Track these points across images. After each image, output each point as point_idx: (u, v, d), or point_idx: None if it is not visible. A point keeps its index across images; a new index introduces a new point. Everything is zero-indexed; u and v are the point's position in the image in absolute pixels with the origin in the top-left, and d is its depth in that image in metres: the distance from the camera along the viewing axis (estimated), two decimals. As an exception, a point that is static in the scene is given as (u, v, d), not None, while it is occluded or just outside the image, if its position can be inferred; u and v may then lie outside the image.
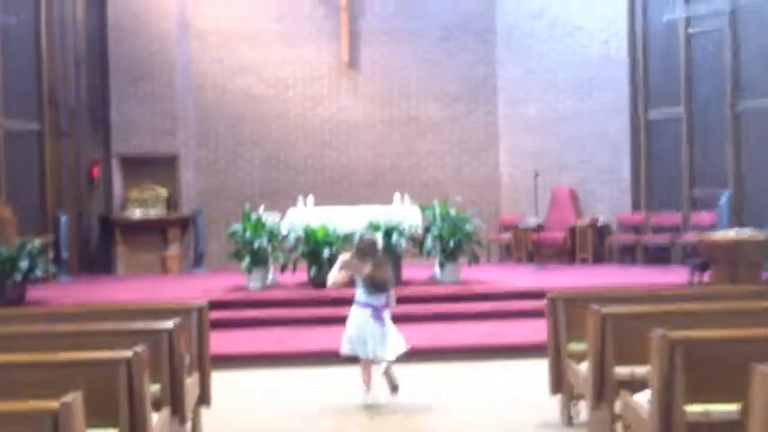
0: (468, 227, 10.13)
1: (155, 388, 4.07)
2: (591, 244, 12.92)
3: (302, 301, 9.33)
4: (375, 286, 5.94)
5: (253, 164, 14.18)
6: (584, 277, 10.96)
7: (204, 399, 4.95)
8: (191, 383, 4.59)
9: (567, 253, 13.12)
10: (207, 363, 5.01)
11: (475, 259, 10.15)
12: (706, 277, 8.90)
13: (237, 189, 14.04)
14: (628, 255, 12.81)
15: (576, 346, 5.13)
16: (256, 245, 9.72)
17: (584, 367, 4.73)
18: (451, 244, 9.96)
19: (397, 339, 6.00)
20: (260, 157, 14.18)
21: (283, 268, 9.93)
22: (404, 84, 14.46)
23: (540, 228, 13.49)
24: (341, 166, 14.33)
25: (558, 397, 5.27)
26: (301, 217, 10.33)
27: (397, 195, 11.01)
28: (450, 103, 14.54)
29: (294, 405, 6.05)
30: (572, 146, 13.62)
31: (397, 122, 14.45)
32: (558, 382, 5.18)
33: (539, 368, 6.92)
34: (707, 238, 9.18)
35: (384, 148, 14.41)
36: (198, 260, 13.32)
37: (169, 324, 4.18)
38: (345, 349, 6.10)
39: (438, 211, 10.32)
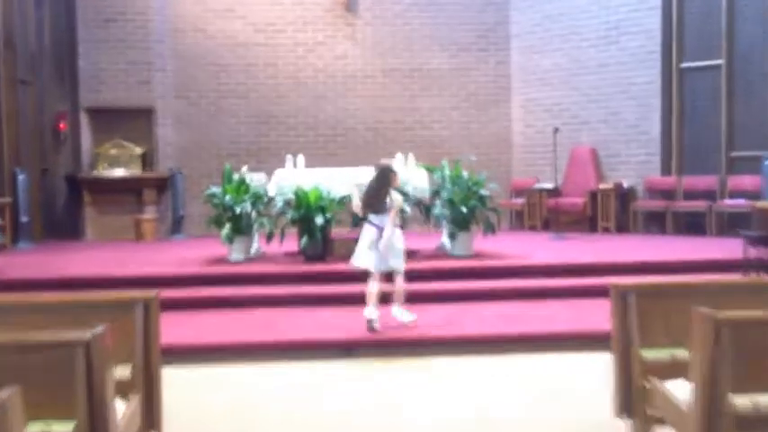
0: (484, 191, 8.78)
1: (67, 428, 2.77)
2: (614, 211, 11.59)
3: (291, 276, 8.00)
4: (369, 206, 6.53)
5: (238, 118, 12.75)
6: (610, 250, 9.65)
7: (151, 424, 3.63)
8: (129, 412, 3.27)
9: (587, 220, 11.80)
10: (155, 376, 3.68)
11: (491, 229, 8.82)
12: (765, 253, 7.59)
13: (221, 146, 12.64)
14: (655, 223, 11.50)
15: (651, 354, 3.84)
16: (238, 210, 8.36)
17: (677, 388, 3.43)
18: (464, 211, 8.61)
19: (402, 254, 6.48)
20: (246, 111, 12.75)
21: (269, 237, 8.59)
22: (407, 30, 12.98)
23: (556, 192, 12.17)
24: (337, 121, 12.92)
25: (626, 422, 3.98)
26: (291, 179, 8.96)
27: (399, 155, 9.64)
28: (458, 52, 13.09)
29: (282, 414, 4.75)
30: (594, 101, 12.21)
31: (399, 74, 13.00)
32: (628, 402, 3.88)
33: (578, 364, 5.68)
34: (763, 207, 7.87)
35: (384, 102, 12.98)
36: (176, 225, 11.96)
37: (86, 334, 2.85)
38: (358, 262, 6.46)
39: (448, 172, 8.95)
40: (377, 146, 12.92)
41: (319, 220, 8.28)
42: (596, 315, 6.18)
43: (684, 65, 11.39)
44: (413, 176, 8.95)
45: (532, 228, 12.25)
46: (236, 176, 8.86)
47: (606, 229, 11.65)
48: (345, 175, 9.20)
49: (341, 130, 12.93)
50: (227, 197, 8.45)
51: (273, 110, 12.79)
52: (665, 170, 11.56)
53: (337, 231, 8.69)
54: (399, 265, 6.41)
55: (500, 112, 13.19)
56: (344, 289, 7.42)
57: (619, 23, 11.90)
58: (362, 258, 6.40)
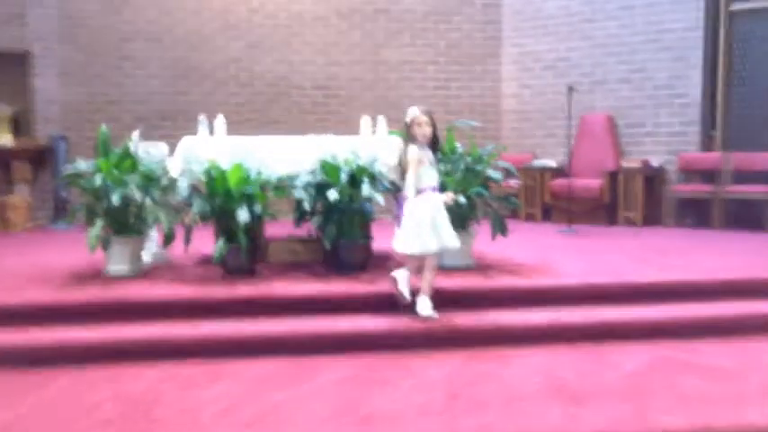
0: (492, 172, 5.95)
1: None
2: (641, 197, 8.88)
3: (194, 304, 5.07)
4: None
5: (148, 69, 9.66)
6: (653, 252, 6.92)
7: None
8: None
9: (604, 209, 9.09)
10: None
11: (501, 229, 5.99)
12: None
13: (124, 106, 9.57)
14: (693, 212, 8.85)
15: None
16: (116, 198, 5.36)
17: None
18: (461, 202, 5.78)
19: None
20: (160, 61, 9.67)
21: (167, 240, 5.64)
22: (370, -41, 10.03)
23: (561, 172, 9.45)
24: (278, 77, 9.93)
25: None
26: (204, 151, 6.01)
27: (365, 120, 6.75)
28: (436, -11, 10.19)
29: None
30: (613, 53, 9.46)
31: (359, 16, 10.04)
32: None
33: None
34: None
35: (340, 53, 10.03)
36: (58, 211, 8.89)
37: None
38: (413, 248, 4.93)
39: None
40: (329, 109, 10.00)
41: (242, 215, 5.35)
42: None
43: (735, 6, 8.70)
44: (384, 150, 6.08)
45: (530, 218, 9.51)
46: (119, 148, 5.85)
47: (629, 221, 8.95)
48: (287, 147, 6.29)
49: (283, 87, 9.95)
50: (99, 178, 5.44)
51: (195, 59, 9.73)
52: (707, 145, 8.89)
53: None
54: (455, 240, 5.11)
55: (487, 69, 10.36)
56: (288, 327, 4.61)
57: (648, -48, 9.13)
58: (425, 240, 4.94)
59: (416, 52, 10.15)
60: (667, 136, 9.11)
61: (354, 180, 5.68)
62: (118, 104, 9.55)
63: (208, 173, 5.58)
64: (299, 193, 5.64)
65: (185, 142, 6.06)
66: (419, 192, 5.11)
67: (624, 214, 8.97)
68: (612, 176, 9.07)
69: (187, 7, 9.63)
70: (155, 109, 9.66)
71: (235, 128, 9.28)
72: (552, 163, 9.59)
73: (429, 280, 5.02)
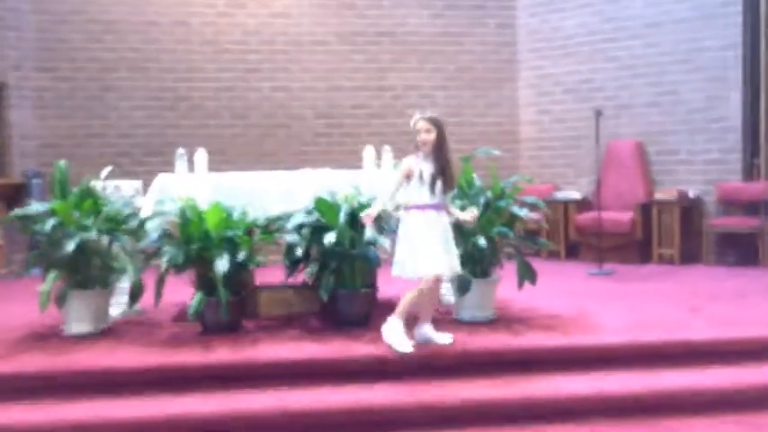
0: (517, 209, 5.09)
1: None
2: (677, 231, 7.99)
3: (164, 375, 4.20)
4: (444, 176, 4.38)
5: (133, 101, 8.89)
6: (702, 298, 6.02)
7: None
8: None
9: (636, 245, 8.19)
10: None
11: (529, 277, 5.10)
12: None
13: (106, 140, 8.80)
14: (735, 248, 7.94)
15: None
16: (70, 247, 4.52)
17: None
18: (481, 244, 4.92)
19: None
20: (145, 91, 8.91)
21: (133, 295, 4.79)
22: (374, -22, 9.29)
23: (585, 204, 8.61)
24: (275, 106, 9.14)
25: None
26: (183, 189, 5.18)
27: (369, 151, 5.94)
28: (445, 10, 9.42)
29: None
30: (641, 75, 8.63)
31: (362, 39, 9.27)
32: None
33: None
34: None
35: (342, 78, 9.25)
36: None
37: None
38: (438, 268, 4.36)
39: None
40: (331, 140, 9.20)
41: (221, 264, 4.49)
42: None
43: (778, 20, 7.89)
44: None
45: (553, 256, 8.61)
46: (85, 185, 5.03)
47: (665, 258, 8.04)
48: (279, 183, 5.47)
49: (281, 118, 9.16)
50: (52, 221, 4.61)
51: (184, 89, 8.96)
52: (749, 173, 8.01)
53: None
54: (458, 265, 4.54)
55: (503, 95, 9.55)
56: (269, 402, 3.76)
57: (677, -37, 8.34)
58: (435, 261, 4.33)
59: (424, 77, 9.36)
60: (704, 164, 8.23)
61: (355, 220, 4.83)
62: (100, 138, 8.77)
63: (182, 213, 4.75)
64: (290, 237, 4.79)
65: (160, 179, 5.24)
66: (407, 209, 4.33)
67: (659, 251, 8.07)
68: (644, 209, 8.19)
69: (175, 33, 8.89)
70: (140, 143, 8.88)
71: (229, 163, 8.53)
72: (576, 195, 8.73)
73: (409, 300, 4.35)
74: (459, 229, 4.93)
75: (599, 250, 7.75)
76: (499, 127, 9.53)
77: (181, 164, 5.51)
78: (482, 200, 5.16)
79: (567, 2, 9.10)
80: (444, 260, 4.36)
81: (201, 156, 5.54)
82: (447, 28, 9.40)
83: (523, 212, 5.02)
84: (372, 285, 5.11)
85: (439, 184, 4.38)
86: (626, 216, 8.17)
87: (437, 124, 4.40)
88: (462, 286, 4.91)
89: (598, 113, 7.71)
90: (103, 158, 8.20)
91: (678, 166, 8.40)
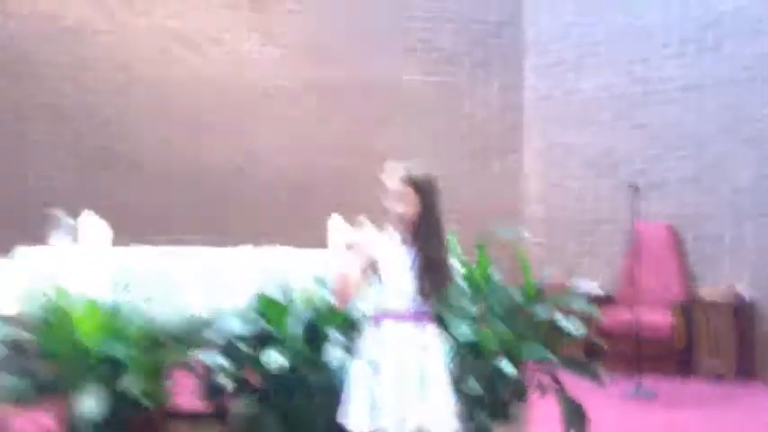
0: (563, 320, 3.44)
1: None
2: (732, 339, 6.34)
3: None
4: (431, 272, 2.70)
5: (54, 156, 7.22)
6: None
7: None
8: None
9: (676, 355, 6.52)
10: None
11: (578, 424, 3.40)
12: None
13: (26, 203, 7.06)
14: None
15: None
16: None
17: None
18: (508, 372, 3.23)
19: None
20: (70, 144, 7.26)
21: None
22: (355, 22, 7.80)
23: (607, 301, 7.01)
24: (231, 169, 7.51)
25: None
26: (60, 273, 3.46)
27: (335, 223, 4.29)
28: (437, 63, 7.95)
29: None
30: (673, 145, 7.15)
31: (340, 91, 7.74)
32: None
33: None
34: None
35: (316, 137, 7.67)
36: None
37: None
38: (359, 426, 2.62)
39: (462, 269, 3.59)
40: (299, 210, 7.53)
41: (87, 403, 2.75)
42: None
43: None
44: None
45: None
46: None
47: (714, 372, 6.38)
48: (206, 266, 3.79)
49: (236, 183, 7.52)
50: None
51: (120, 146, 7.32)
52: (816, 268, 6.47)
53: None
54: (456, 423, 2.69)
55: (506, 163, 8.02)
56: None
57: (720, 18, 6.95)
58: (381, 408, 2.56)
59: (413, 139, 7.79)
60: (755, 254, 6.67)
61: (317, 332, 3.14)
62: (14, 200, 7.06)
63: (45, 314, 3.03)
64: (208, 357, 3.08)
65: (20, 255, 3.54)
66: (376, 319, 2.66)
67: (707, 363, 6.41)
68: (685, 311, 6.57)
69: (111, 77, 7.30)
70: (69, 209, 7.15)
71: (178, 242, 6.88)
72: (598, 289, 7.10)
73: None
74: (474, 349, 3.26)
75: (635, 361, 6.06)
76: (499, 204, 7.94)
77: (60, 234, 3.81)
78: (501, 304, 3.52)
79: (586, 59, 7.67)
80: (413, 410, 2.64)
81: (91, 222, 3.85)
82: (442, 86, 7.93)
83: (576, 328, 3.37)
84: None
85: (421, 282, 2.73)
86: (663, 319, 6.54)
87: (423, 189, 2.78)
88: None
89: (635, 189, 6.17)
90: (14, 230, 6.45)
91: (722, 257, 6.83)
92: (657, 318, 6.54)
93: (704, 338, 6.42)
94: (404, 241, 2.78)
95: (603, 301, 6.98)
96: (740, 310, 6.45)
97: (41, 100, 7.19)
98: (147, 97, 7.36)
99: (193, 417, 3.64)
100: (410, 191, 2.75)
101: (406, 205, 2.75)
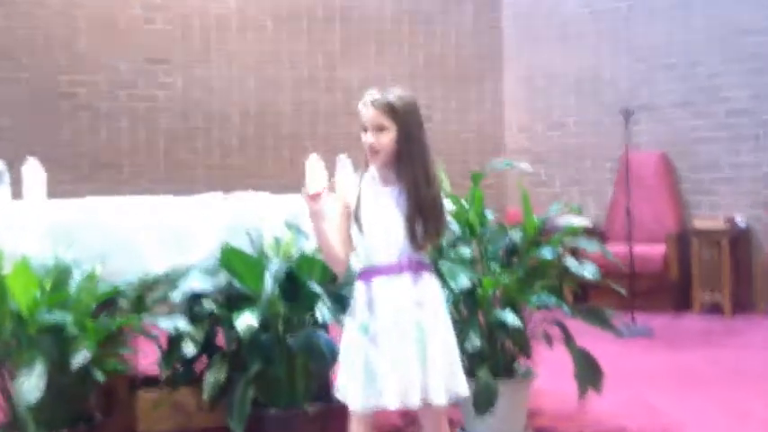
0: (574, 263, 3.03)
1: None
2: (728, 271, 6.02)
3: None
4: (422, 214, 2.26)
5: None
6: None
7: None
8: None
9: (671, 288, 6.22)
10: None
11: (592, 380, 3.03)
12: None
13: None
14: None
15: None
16: None
17: None
18: (510, 322, 2.83)
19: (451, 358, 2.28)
20: (15, 84, 6.60)
21: None
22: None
23: (596, 233, 6.66)
24: (191, 105, 6.93)
25: None
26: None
27: (313, 162, 3.78)
28: (412, -16, 7.38)
29: None
30: (664, 65, 6.71)
31: (306, 22, 7.15)
32: None
33: None
34: None
35: (280, 70, 7.10)
36: None
37: None
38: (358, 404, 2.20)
39: (451, 204, 3.16)
40: (265, 146, 7.04)
41: (26, 384, 2.30)
42: None
43: None
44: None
45: (557, 300, 6.58)
46: None
47: (706, 306, 6.09)
48: (167, 219, 3.31)
49: (198, 120, 6.96)
50: None
51: (66, 83, 6.68)
52: (814, 193, 6.15)
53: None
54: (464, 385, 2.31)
55: (484, 92, 7.54)
56: None
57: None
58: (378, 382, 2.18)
59: (385, 70, 7.26)
60: (751, 182, 6.33)
61: (295, 285, 2.69)
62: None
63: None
64: (166, 323, 2.62)
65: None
66: (364, 277, 2.25)
67: (703, 297, 6.10)
68: (680, 242, 6.25)
69: (54, 8, 6.62)
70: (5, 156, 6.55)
71: (126, 183, 6.38)
72: (585, 222, 6.71)
73: None
74: (472, 299, 2.85)
75: (628, 298, 5.72)
76: (479, 133, 7.50)
77: (-2, 186, 3.29)
78: (500, 245, 3.10)
79: (567, -26, 7.15)
80: (413, 380, 2.23)
81: (32, 171, 3.33)
82: (413, 10, 7.35)
83: (591, 272, 2.96)
84: (326, 397, 2.98)
85: (411, 228, 2.28)
86: (656, 251, 6.21)
87: (402, 114, 2.28)
88: (483, 399, 2.82)
89: (627, 114, 5.73)
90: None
91: (718, 186, 6.48)
92: (651, 251, 6.20)
93: (699, 271, 6.10)
94: (386, 181, 2.32)
95: (591, 234, 6.61)
96: (737, 240, 6.13)
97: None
98: (90, 28, 6.69)
99: (159, 384, 3.22)
100: (387, 117, 2.27)
101: (384, 136, 2.27)
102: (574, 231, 3.18)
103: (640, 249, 6.09)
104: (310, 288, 2.67)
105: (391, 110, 2.27)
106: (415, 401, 2.19)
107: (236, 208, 3.31)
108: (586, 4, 7.07)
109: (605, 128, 6.87)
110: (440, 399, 2.24)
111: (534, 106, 7.38)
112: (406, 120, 2.27)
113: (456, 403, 3.15)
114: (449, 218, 2.87)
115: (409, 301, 2.25)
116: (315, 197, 2.23)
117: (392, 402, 2.17)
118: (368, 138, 2.28)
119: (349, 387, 2.23)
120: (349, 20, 7.19)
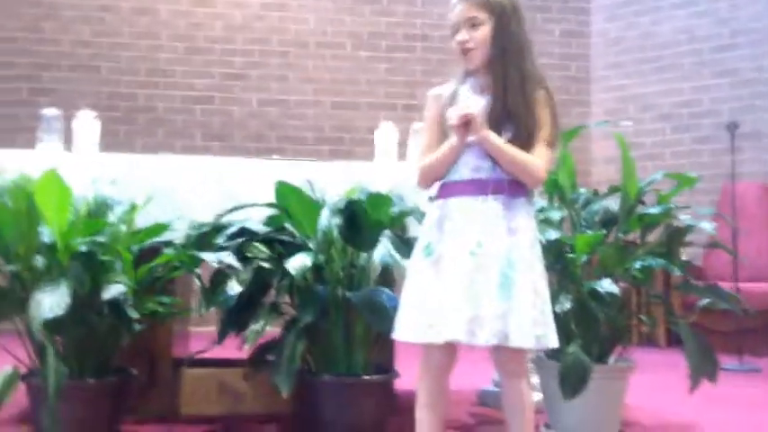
0: (686, 217, 2.61)
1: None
2: None
3: None
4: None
5: (74, 110, 6.58)
6: None
7: None
8: None
9: (778, 329, 5.58)
10: None
11: (709, 367, 2.55)
12: None
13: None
14: None
15: None
16: None
17: None
18: (609, 292, 2.40)
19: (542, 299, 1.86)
20: (91, 97, 6.62)
21: None
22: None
23: (691, 269, 6.01)
24: (264, 124, 6.80)
25: None
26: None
27: (384, 130, 3.49)
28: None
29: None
30: (765, 92, 6.25)
31: (385, 44, 7.00)
32: None
33: None
34: None
35: (357, 92, 6.92)
36: None
37: None
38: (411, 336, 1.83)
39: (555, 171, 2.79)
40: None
41: (47, 301, 2.00)
42: None
43: None
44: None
45: (651, 343, 5.97)
46: None
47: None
48: (224, 176, 3.04)
49: (272, 141, 6.80)
50: None
51: (143, 97, 6.66)
52: None
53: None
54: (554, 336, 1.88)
55: (571, 123, 7.14)
56: None
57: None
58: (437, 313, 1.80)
59: (467, 97, 7.00)
60: None
61: (357, 228, 2.34)
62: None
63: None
64: (212, 258, 2.30)
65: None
66: (439, 195, 1.94)
67: (814, 338, 5.45)
68: (791, 276, 5.64)
69: (136, 24, 6.65)
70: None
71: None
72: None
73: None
74: (562, 263, 2.45)
75: (733, 335, 5.12)
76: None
77: (48, 136, 3.08)
78: (596, 210, 2.70)
79: (661, 0, 6.81)
80: (492, 314, 1.83)
81: (86, 121, 3.12)
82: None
83: (710, 226, 2.53)
84: (386, 367, 2.58)
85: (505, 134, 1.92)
86: (764, 288, 5.60)
87: (495, 6, 1.95)
88: (572, 378, 2.38)
89: (733, 127, 5.26)
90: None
91: (832, 218, 5.88)
92: (758, 287, 5.60)
93: (813, 308, 5.45)
94: (482, 89, 1.99)
95: (693, 270, 6.07)
96: None
97: (60, 47, 6.56)
98: (172, 43, 6.69)
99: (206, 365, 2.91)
100: (481, 9, 1.95)
101: (478, 31, 1.95)
102: (690, 182, 2.70)
103: (747, 286, 5.49)
104: (376, 230, 2.32)
105: (488, 4, 1.96)
106: (484, 339, 1.80)
107: (296, 170, 3.01)
108: (682, 30, 6.68)
109: (702, 159, 6.38)
110: (524, 340, 1.83)
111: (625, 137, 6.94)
112: (503, 10, 1.95)
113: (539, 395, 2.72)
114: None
115: (497, 226, 1.88)
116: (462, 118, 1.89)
117: (450, 335, 1.79)
118: (460, 36, 1.96)
119: (401, 316, 1.87)
120: (431, 42, 7.00)
